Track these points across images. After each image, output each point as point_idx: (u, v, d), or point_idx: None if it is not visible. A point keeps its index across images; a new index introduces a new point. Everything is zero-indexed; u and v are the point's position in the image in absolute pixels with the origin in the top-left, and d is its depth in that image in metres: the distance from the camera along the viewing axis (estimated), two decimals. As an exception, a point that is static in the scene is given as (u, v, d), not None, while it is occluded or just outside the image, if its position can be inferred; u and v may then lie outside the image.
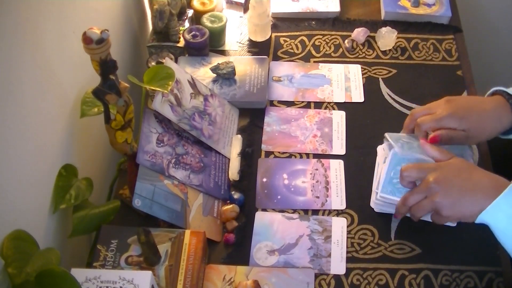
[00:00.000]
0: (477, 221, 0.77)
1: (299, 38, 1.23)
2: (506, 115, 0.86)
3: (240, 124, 1.09)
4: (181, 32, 1.16)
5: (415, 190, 0.81)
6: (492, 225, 0.75)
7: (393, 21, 1.24)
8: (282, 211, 0.96)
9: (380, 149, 0.98)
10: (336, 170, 1.01)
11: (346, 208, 0.96)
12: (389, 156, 0.88)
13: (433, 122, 0.87)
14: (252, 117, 1.09)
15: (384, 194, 0.87)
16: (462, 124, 0.86)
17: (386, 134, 0.91)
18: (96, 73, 0.76)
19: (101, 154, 1.04)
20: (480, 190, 0.76)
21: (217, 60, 1.15)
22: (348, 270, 0.89)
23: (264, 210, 0.96)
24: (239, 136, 1.05)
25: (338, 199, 0.97)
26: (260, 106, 1.10)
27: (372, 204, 0.95)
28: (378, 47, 1.20)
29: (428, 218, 0.85)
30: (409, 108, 1.10)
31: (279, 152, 1.04)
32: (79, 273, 0.73)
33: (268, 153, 1.04)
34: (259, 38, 1.22)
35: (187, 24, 1.18)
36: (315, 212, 0.96)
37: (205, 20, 1.18)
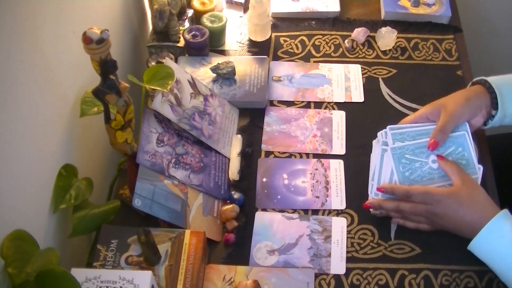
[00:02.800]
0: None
1: (299, 38, 1.23)
2: (483, 99, 0.94)
3: (240, 124, 1.09)
4: (181, 32, 1.15)
5: (417, 211, 0.88)
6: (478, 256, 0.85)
7: (393, 21, 1.24)
8: (282, 211, 0.96)
9: (375, 142, 0.98)
10: (336, 170, 1.01)
11: (346, 208, 0.96)
12: (388, 155, 0.90)
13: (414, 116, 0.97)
14: (252, 117, 1.09)
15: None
16: (434, 105, 0.95)
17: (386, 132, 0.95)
18: (96, 73, 0.76)
19: (101, 154, 1.04)
20: (471, 227, 0.84)
21: (217, 60, 1.15)
22: (348, 270, 0.89)
23: (264, 210, 0.96)
24: (239, 136, 1.05)
25: (338, 199, 0.97)
26: (260, 106, 1.10)
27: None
28: (378, 47, 1.20)
29: None
30: (409, 108, 1.10)
31: (279, 152, 1.04)
32: (79, 273, 0.74)
33: (268, 153, 1.04)
34: (259, 38, 1.22)
35: (187, 24, 1.18)
36: (315, 212, 0.96)
37: (205, 20, 1.18)
